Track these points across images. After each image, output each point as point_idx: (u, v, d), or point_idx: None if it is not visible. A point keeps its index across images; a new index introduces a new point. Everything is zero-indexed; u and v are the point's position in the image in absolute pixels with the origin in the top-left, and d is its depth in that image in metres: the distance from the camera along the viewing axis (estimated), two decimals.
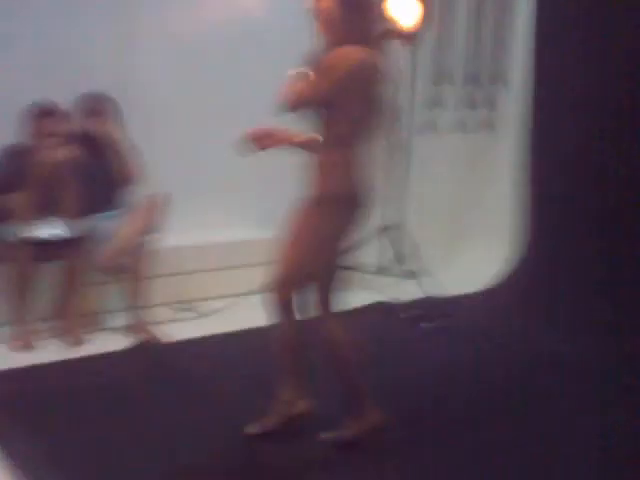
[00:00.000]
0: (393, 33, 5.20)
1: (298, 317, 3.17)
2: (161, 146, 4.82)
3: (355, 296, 4.91)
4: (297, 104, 2.98)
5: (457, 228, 5.95)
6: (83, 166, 4.36)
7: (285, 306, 3.13)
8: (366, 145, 3.08)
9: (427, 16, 5.19)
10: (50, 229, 4.21)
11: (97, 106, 4.52)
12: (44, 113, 4.25)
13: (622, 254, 4.46)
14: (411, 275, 5.33)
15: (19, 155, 4.23)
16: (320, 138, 3.03)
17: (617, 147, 4.56)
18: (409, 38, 5.23)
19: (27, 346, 4.10)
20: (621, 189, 4.51)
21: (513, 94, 5.64)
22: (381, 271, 5.50)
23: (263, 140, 3.07)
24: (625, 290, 4.43)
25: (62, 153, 4.26)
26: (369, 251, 5.40)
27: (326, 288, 3.15)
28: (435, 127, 5.77)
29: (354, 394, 3.17)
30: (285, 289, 3.11)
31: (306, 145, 3.08)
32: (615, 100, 4.58)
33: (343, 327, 3.17)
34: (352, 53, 2.95)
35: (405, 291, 5.21)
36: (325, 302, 3.15)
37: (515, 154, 5.46)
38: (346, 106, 2.96)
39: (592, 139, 4.68)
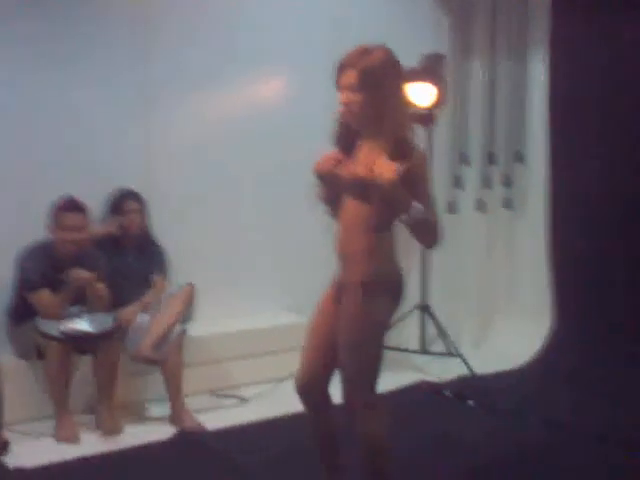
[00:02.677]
0: (412, 116, 5.34)
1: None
2: (187, 239, 4.98)
3: (398, 376, 4.97)
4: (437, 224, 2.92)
5: (485, 307, 5.98)
6: (112, 262, 4.53)
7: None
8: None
9: (443, 98, 5.32)
10: (82, 324, 4.25)
11: (124, 203, 4.66)
12: (68, 206, 4.35)
13: None
14: (451, 353, 5.31)
15: (44, 252, 4.33)
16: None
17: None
18: (427, 120, 5.37)
19: (73, 438, 4.14)
20: None
21: (531, 171, 5.71)
22: (422, 350, 5.52)
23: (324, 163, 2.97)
24: None
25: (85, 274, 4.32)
26: (408, 331, 5.45)
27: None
28: (455, 208, 5.83)
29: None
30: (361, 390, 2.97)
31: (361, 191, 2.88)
32: (635, 173, 4.70)
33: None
34: (419, 151, 2.94)
35: (446, 370, 5.21)
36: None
37: (536, 231, 5.53)
38: None
39: (612, 214, 4.77)
